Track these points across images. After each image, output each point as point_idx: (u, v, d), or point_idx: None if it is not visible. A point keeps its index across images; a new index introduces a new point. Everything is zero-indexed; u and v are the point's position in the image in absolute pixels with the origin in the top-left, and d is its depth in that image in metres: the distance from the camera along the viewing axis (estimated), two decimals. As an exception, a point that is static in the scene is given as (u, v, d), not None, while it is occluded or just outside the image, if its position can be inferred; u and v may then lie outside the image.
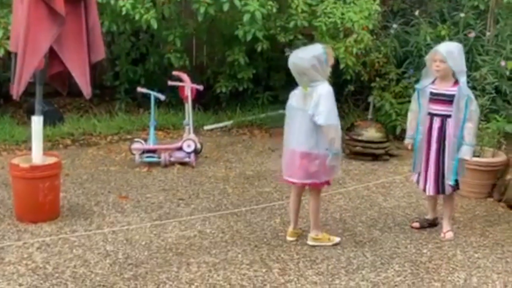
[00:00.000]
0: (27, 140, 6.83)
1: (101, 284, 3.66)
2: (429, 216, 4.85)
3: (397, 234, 4.64)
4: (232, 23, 7.74)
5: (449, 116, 4.43)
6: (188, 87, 6.58)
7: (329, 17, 7.38)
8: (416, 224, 4.79)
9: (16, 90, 4.31)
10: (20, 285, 3.62)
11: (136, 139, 6.45)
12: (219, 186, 5.68)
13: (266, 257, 4.13)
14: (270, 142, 7.43)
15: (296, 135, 4.22)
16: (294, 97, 4.34)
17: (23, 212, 4.57)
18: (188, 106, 6.55)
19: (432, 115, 4.51)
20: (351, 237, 4.54)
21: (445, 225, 4.66)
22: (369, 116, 7.16)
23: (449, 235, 4.61)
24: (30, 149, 6.48)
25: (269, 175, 6.05)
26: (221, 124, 8.09)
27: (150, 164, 6.22)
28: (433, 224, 4.81)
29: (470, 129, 4.42)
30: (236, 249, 4.25)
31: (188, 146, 6.31)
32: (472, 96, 4.46)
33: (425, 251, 4.36)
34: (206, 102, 8.47)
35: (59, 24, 4.37)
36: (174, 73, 6.73)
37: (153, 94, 6.43)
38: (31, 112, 7.57)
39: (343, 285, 3.79)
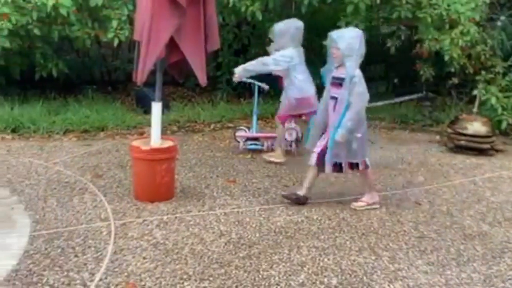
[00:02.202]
0: (137, 126, 7.28)
1: (218, 261, 3.85)
2: (300, 191, 4.92)
3: (507, 229, 4.56)
4: (334, 14, 7.80)
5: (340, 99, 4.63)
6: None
7: (434, 8, 7.29)
8: (285, 193, 4.97)
9: (140, 77, 4.58)
10: (144, 258, 3.88)
11: (240, 127, 6.66)
12: (321, 175, 5.75)
13: (374, 245, 4.19)
14: (369, 134, 7.36)
15: None
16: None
17: (141, 192, 4.87)
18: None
19: (331, 98, 4.71)
20: (459, 230, 4.51)
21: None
22: (475, 110, 7.01)
23: (355, 204, 4.85)
24: (140, 134, 6.92)
25: (371, 166, 6.04)
26: (318, 115, 8.15)
27: (253, 151, 6.41)
28: (302, 201, 4.88)
29: (348, 113, 4.54)
30: (344, 235, 4.34)
31: (290, 135, 6.45)
32: (358, 81, 4.51)
33: (538, 247, 4.26)
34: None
35: (180, 14, 4.60)
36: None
37: (258, 84, 6.61)
38: (139, 99, 8.06)
39: (454, 275, 3.78)
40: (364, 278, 3.70)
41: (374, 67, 8.77)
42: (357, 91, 4.54)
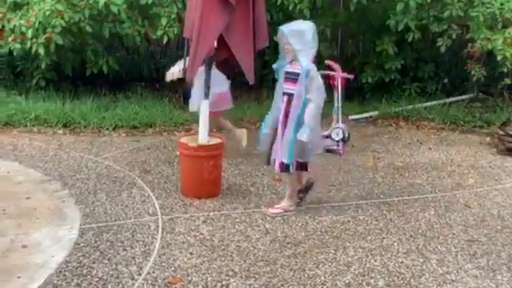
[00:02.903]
0: (184, 123, 7.35)
1: (264, 259, 3.86)
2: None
3: (562, 235, 4.41)
4: (383, 12, 7.71)
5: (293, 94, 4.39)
6: (338, 76, 6.62)
7: (487, 7, 7.12)
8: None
9: (189, 74, 4.63)
10: (191, 254, 3.92)
11: (286, 125, 6.63)
12: (368, 175, 5.72)
13: (422, 247, 4.12)
14: (418, 135, 7.32)
15: None
16: None
17: (188, 188, 4.92)
18: (338, 95, 6.59)
19: (284, 94, 4.46)
20: (511, 234, 4.38)
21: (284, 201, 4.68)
22: (527, 111, 6.81)
23: (271, 211, 4.60)
24: (187, 130, 6.98)
25: (419, 167, 5.98)
26: (366, 114, 8.09)
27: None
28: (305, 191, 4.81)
29: (309, 110, 4.30)
30: (391, 237, 4.28)
31: (337, 134, 6.37)
32: (315, 75, 4.32)
33: None
34: (351, 92, 8.48)
35: (229, 12, 4.62)
36: (327, 61, 6.81)
37: (305, 82, 6.57)
38: (187, 96, 8.11)
39: (505, 281, 3.68)
40: (412, 280, 3.65)
41: (423, 67, 8.59)
42: (316, 86, 4.33)
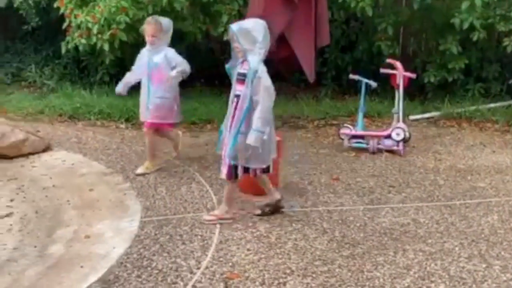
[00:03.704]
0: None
1: (321, 259, 3.84)
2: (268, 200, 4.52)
3: None
4: (448, 11, 7.53)
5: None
6: (400, 75, 6.51)
7: (558, 5, 6.83)
8: (257, 211, 4.53)
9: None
10: (248, 250, 3.94)
11: (345, 124, 6.58)
12: (429, 176, 5.59)
13: (485, 252, 4.00)
14: (481, 137, 7.11)
15: None
16: None
17: (246, 185, 4.92)
18: (399, 94, 6.50)
19: (235, 96, 4.24)
20: None
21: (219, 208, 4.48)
22: None
23: (207, 217, 4.40)
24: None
25: (482, 170, 5.80)
26: (427, 115, 7.91)
27: (358, 150, 6.32)
28: (276, 209, 4.52)
29: (257, 112, 4.05)
30: (453, 241, 4.17)
31: (397, 134, 6.29)
32: (262, 76, 4.06)
33: None
34: (412, 91, 8.32)
35: (291, 9, 4.63)
36: (388, 60, 6.71)
37: (365, 81, 6.49)
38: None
39: None
40: (474, 286, 3.55)
41: (488, 67, 8.33)
42: (264, 87, 4.04)
